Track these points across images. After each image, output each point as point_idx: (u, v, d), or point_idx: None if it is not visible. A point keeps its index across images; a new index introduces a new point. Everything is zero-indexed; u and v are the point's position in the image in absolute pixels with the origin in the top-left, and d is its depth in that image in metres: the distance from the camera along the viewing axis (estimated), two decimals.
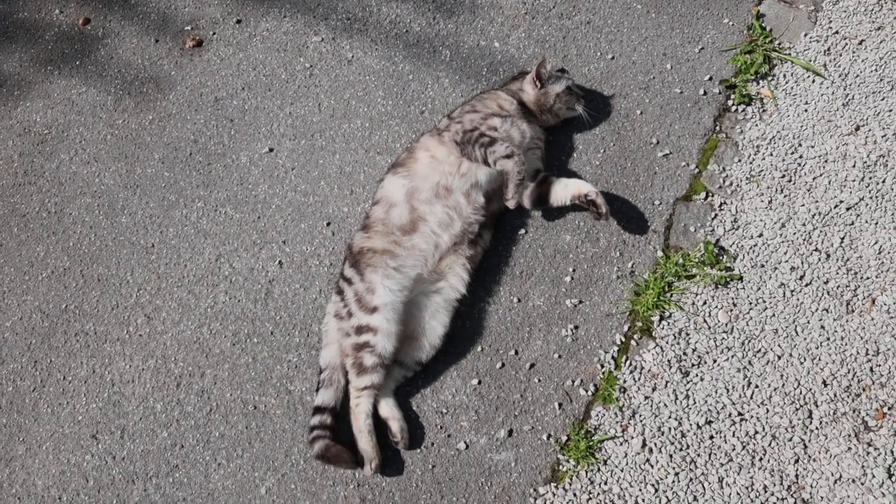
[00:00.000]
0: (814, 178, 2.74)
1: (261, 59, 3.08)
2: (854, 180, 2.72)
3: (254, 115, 2.96)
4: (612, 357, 2.51)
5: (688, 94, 2.91)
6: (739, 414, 2.39)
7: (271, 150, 2.89)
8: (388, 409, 2.38)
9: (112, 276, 2.70)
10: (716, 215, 2.71)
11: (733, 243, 2.66)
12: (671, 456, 2.34)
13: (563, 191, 2.59)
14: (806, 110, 2.87)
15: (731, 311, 2.55)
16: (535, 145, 2.67)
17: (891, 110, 2.85)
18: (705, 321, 2.54)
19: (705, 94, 2.91)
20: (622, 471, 2.34)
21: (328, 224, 2.74)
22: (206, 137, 2.94)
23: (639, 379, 2.47)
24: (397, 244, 2.45)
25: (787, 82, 2.93)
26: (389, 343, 2.34)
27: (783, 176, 2.75)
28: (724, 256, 2.63)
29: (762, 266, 2.61)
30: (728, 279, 2.58)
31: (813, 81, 2.92)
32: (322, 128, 2.92)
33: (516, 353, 2.51)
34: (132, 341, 2.58)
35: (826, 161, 2.77)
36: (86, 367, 2.55)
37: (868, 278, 2.57)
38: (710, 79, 2.94)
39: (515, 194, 2.53)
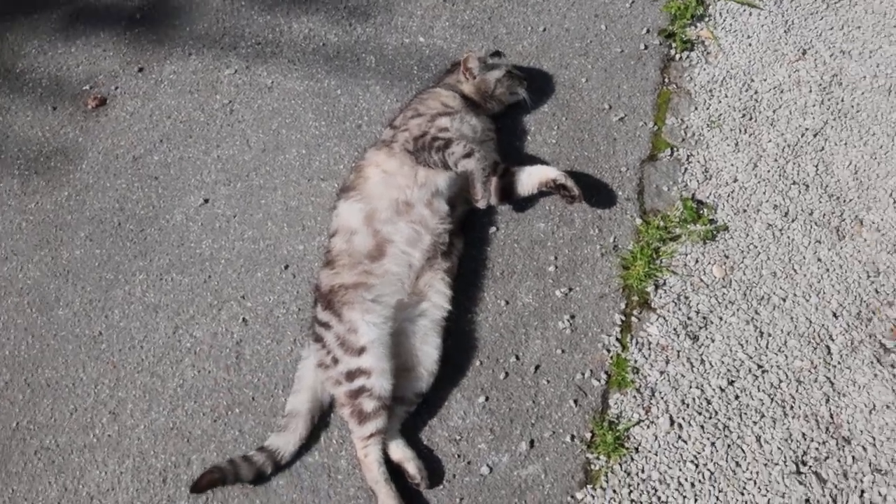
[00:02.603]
0: (774, 111, 2.75)
1: (173, 105, 2.94)
2: (814, 105, 2.74)
3: (179, 168, 2.82)
4: (617, 339, 2.46)
5: (628, 51, 2.89)
6: (759, 366, 2.36)
7: (206, 200, 2.76)
8: (400, 450, 2.28)
9: (62, 377, 2.52)
10: (685, 169, 2.69)
11: (710, 194, 2.64)
12: (702, 426, 2.30)
13: (529, 179, 2.54)
14: (750, 44, 2.88)
15: (725, 263, 2.53)
16: (488, 137, 2.61)
17: (831, 28, 2.88)
18: (701, 280, 2.52)
19: (646, 47, 2.89)
20: (656, 454, 2.29)
21: (286, 267, 2.63)
22: (132, 202, 2.78)
23: (649, 355, 2.43)
24: (368, 273, 2.35)
25: (724, 20, 2.94)
26: (386, 382, 2.24)
27: (743, 115, 2.75)
28: (705, 209, 2.61)
29: (744, 211, 2.60)
30: (714, 232, 2.56)
31: (750, 14, 2.94)
32: (256, 165, 2.80)
33: (517, 358, 2.44)
34: (102, 444, 2.41)
35: (781, 91, 2.78)
36: (56, 487, 2.37)
37: (850, 200, 2.58)
38: (648, 31, 2.92)
39: (484, 192, 2.46)
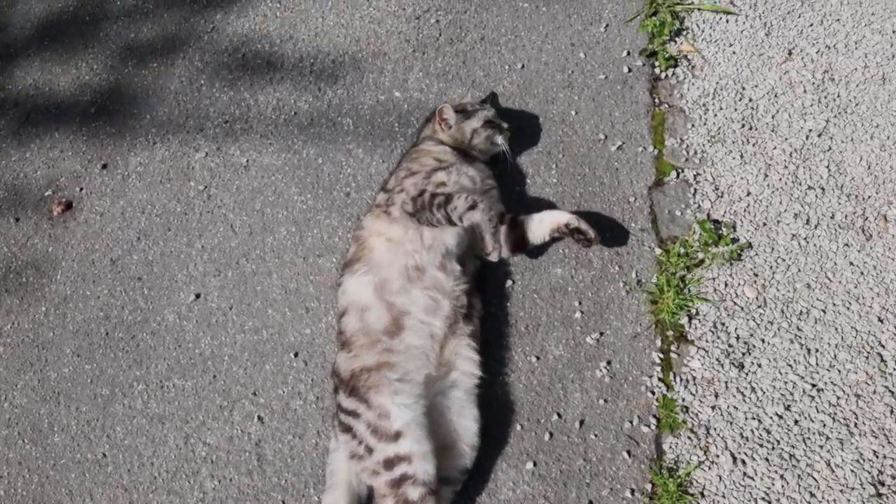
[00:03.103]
0: (772, 117, 2.70)
1: (145, 198, 2.78)
2: (811, 105, 2.69)
3: (163, 264, 2.66)
4: (659, 379, 2.35)
5: (613, 76, 2.82)
6: (813, 386, 2.27)
7: (198, 295, 2.59)
8: None
9: None
10: (695, 190, 2.61)
11: (725, 212, 2.57)
12: (767, 459, 2.19)
13: (540, 227, 2.43)
14: (734, 52, 2.84)
15: (756, 282, 2.44)
16: (488, 186, 2.51)
17: (811, 24, 2.86)
18: (735, 303, 2.42)
19: (630, 70, 2.83)
20: (724, 496, 2.17)
21: (296, 354, 2.47)
22: (117, 308, 2.61)
23: (696, 391, 2.32)
24: (390, 351, 2.21)
25: (703, 31, 2.89)
26: (430, 465, 2.09)
27: (742, 125, 2.69)
28: (724, 229, 2.53)
29: (764, 224, 2.53)
30: (738, 251, 2.48)
31: (727, 21, 2.90)
32: (245, 250, 2.65)
33: (559, 416, 2.31)
34: None
35: (776, 95, 2.74)
36: None
37: (870, 197, 2.53)
38: (628, 53, 2.86)
39: (495, 244, 2.36)
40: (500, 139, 2.59)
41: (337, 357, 2.30)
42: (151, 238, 2.71)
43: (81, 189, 2.82)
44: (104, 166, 2.85)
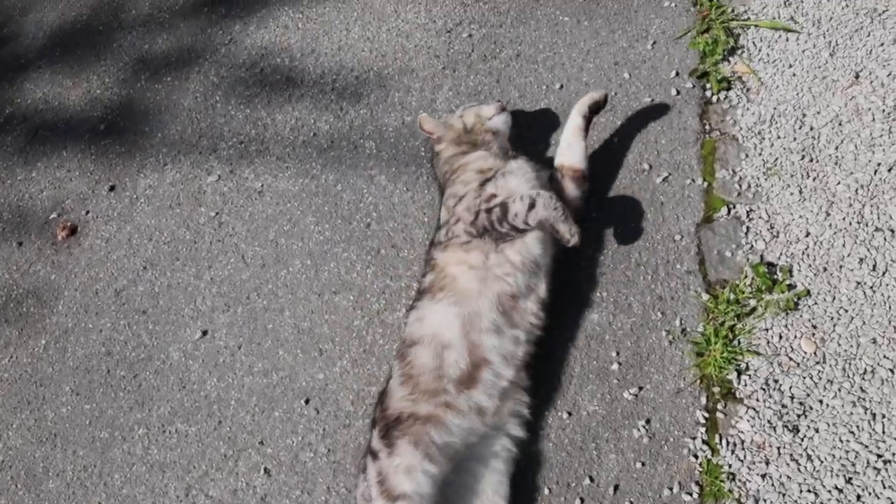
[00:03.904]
0: (836, 148, 2.50)
1: (154, 224, 2.68)
2: (881, 135, 2.49)
3: (169, 297, 2.55)
4: (703, 441, 2.18)
5: (659, 99, 2.65)
6: (879, 456, 2.08)
7: (205, 332, 2.48)
8: None
9: None
10: (748, 228, 2.43)
11: (781, 254, 2.38)
12: None
13: (570, 150, 2.43)
14: (794, 74, 2.64)
15: (814, 335, 2.25)
16: (536, 170, 2.39)
17: (881, 44, 2.65)
18: (790, 358, 2.24)
19: (678, 93, 2.65)
20: None
21: (307, 401, 2.35)
22: (120, 344, 2.51)
23: (745, 457, 2.14)
24: (449, 407, 2.06)
25: (760, 50, 2.70)
26: None
27: (802, 157, 2.50)
28: (779, 273, 2.34)
29: (825, 270, 2.33)
30: (795, 299, 2.29)
31: (787, 40, 2.70)
32: (256, 284, 2.53)
33: (591, 479, 2.15)
34: None
35: (840, 123, 2.54)
36: None
37: None
38: (677, 74, 2.69)
39: (569, 229, 2.17)
40: (485, 108, 2.51)
41: (391, 387, 2.14)
42: (158, 268, 2.61)
43: (88, 212, 2.73)
44: (112, 188, 2.75)
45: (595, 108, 2.44)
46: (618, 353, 2.31)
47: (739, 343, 2.28)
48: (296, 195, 2.65)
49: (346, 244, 2.56)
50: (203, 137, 2.80)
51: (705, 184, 2.52)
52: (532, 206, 2.17)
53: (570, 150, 2.43)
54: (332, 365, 2.40)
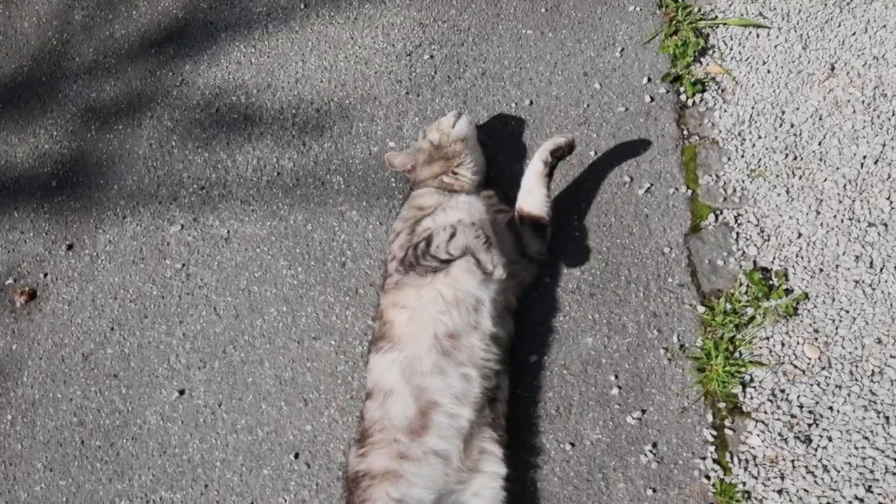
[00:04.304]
0: (819, 144, 2.47)
1: (117, 282, 2.56)
2: (863, 127, 2.46)
3: (141, 358, 2.44)
4: (714, 460, 2.12)
5: (633, 108, 2.60)
6: None
7: (182, 392, 2.38)
8: None
9: None
10: (738, 234, 2.39)
11: (774, 258, 2.34)
12: None
13: (530, 197, 2.34)
14: (768, 71, 2.61)
15: (817, 340, 2.21)
16: (496, 208, 2.36)
17: (853, 33, 2.63)
18: (795, 366, 2.20)
19: (652, 99, 2.60)
20: None
21: (296, 456, 2.25)
22: (92, 412, 2.40)
23: (759, 473, 2.09)
24: (404, 458, 1.99)
25: (731, 49, 2.67)
26: None
27: (786, 156, 2.46)
28: (775, 278, 2.30)
29: (821, 271, 2.29)
30: (794, 305, 2.25)
31: (758, 36, 2.67)
32: (231, 336, 2.43)
33: None
34: None
35: (821, 118, 2.51)
36: None
37: None
38: (649, 80, 2.64)
39: (492, 259, 2.09)
40: (448, 119, 2.44)
41: (351, 448, 2.08)
42: (126, 327, 2.49)
43: (46, 275, 2.61)
44: (70, 247, 2.63)
45: (558, 155, 2.32)
46: (616, 377, 2.24)
47: (741, 355, 2.22)
48: (264, 239, 2.56)
49: (323, 286, 2.46)
50: (162, 186, 2.68)
51: (689, 192, 2.47)
52: (452, 235, 2.11)
53: (530, 195, 2.35)
54: (318, 415, 2.30)
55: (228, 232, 2.59)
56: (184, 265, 2.56)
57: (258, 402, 2.35)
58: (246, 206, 2.62)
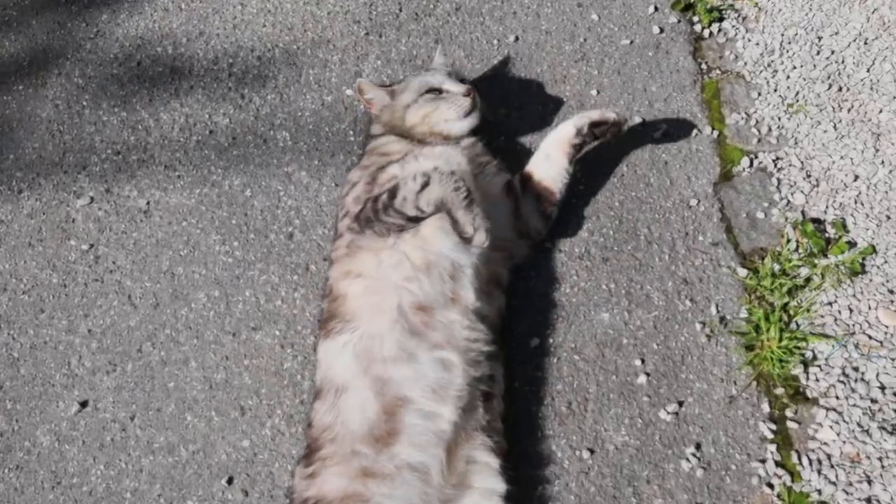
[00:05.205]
0: (868, 71, 2.01)
1: (8, 269, 2.01)
2: None
3: (34, 363, 1.88)
4: (776, 463, 1.60)
5: (640, 40, 2.13)
6: None
7: (84, 404, 1.82)
8: None
9: None
10: (779, 181, 1.91)
11: (827, 206, 1.85)
12: None
13: (548, 162, 1.81)
14: None
15: (893, 303, 1.70)
16: (480, 160, 1.81)
17: None
18: (869, 337, 1.69)
19: (661, 30, 2.14)
20: None
21: (230, 481, 1.70)
22: None
23: (836, 476, 1.57)
24: (369, 476, 1.43)
25: None
26: None
27: (829, 86, 1.99)
28: (831, 230, 1.78)
29: (888, 218, 1.82)
30: (859, 261, 1.74)
31: None
32: (150, 331, 1.87)
33: None
34: None
35: (866, 41, 2.06)
36: None
37: None
38: (656, 8, 2.20)
39: (472, 220, 1.56)
40: (450, 110, 1.80)
41: (296, 468, 1.52)
42: (16, 325, 1.92)
43: None
44: None
45: (599, 132, 1.78)
46: (643, 361, 1.71)
47: (799, 326, 1.71)
48: (192, 209, 2.00)
49: (265, 264, 1.91)
50: (69, 153, 2.13)
51: (715, 133, 1.97)
52: (425, 185, 1.57)
53: (546, 161, 1.82)
54: (259, 427, 1.73)
55: (148, 203, 2.02)
56: (92, 246, 1.99)
57: (181, 412, 1.77)
58: (171, 172, 2.06)
